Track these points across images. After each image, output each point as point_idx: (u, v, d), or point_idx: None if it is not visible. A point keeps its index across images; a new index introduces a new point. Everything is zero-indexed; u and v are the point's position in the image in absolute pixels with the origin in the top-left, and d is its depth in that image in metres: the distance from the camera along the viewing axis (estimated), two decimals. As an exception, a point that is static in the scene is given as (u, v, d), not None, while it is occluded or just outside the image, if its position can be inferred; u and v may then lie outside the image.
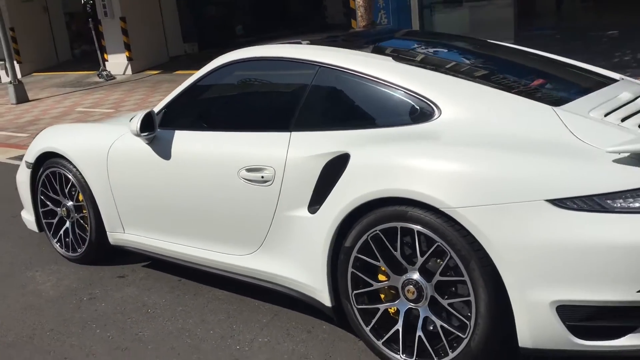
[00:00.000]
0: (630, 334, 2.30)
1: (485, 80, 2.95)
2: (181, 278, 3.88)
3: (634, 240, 2.21)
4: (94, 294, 3.80)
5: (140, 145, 3.63)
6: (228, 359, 2.98)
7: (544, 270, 2.32)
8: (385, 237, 2.67)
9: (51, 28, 17.30)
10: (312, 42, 3.49)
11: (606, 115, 2.61)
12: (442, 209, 2.47)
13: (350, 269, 2.79)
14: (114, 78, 14.01)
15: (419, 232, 2.56)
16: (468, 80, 2.89)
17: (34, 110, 11.43)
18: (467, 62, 3.48)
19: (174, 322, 3.38)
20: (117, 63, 14.37)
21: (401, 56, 3.24)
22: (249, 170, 3.12)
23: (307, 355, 2.95)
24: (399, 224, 2.61)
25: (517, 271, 2.36)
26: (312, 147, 2.95)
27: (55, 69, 16.57)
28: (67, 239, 4.25)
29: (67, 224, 4.23)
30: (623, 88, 2.98)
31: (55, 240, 4.33)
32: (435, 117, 2.75)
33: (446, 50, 3.66)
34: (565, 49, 9.64)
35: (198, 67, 3.76)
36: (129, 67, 14.30)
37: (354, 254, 2.76)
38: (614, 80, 3.22)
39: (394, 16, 10.24)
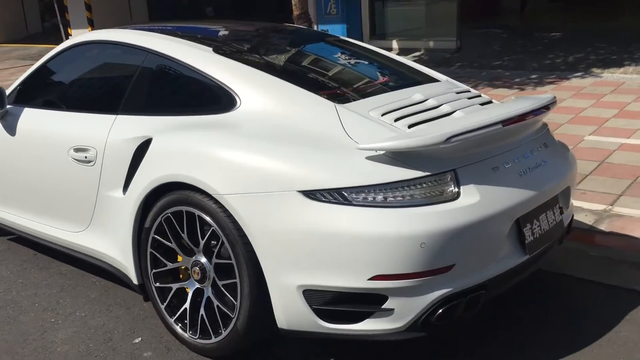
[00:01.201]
0: (367, 319, 2.46)
1: (290, 75, 3.10)
2: (37, 253, 4.01)
3: (368, 232, 2.35)
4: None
5: (-7, 121, 3.76)
6: (37, 330, 3.12)
7: (292, 256, 2.47)
8: (175, 220, 2.81)
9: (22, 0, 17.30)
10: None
11: (383, 114, 2.74)
12: (213, 195, 2.62)
13: (149, 249, 2.93)
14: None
15: (199, 217, 2.70)
16: (272, 74, 2.99)
17: (-15, 81, 11.50)
18: (289, 58, 3.58)
19: (7, 293, 3.51)
20: (79, 38, 14.39)
21: (224, 48, 3.36)
22: (76, 150, 3.25)
23: (113, 330, 3.10)
24: (184, 208, 2.75)
25: (271, 256, 2.50)
26: (128, 130, 3.08)
27: (23, 41, 16.60)
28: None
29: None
30: (428, 89, 3.12)
31: None
32: (235, 107, 2.89)
33: (280, 46, 3.79)
34: (501, 47, 9.78)
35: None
36: (91, 43, 14.31)
37: (152, 234, 2.90)
38: (435, 81, 3.36)
39: (342, 7, 10.33)
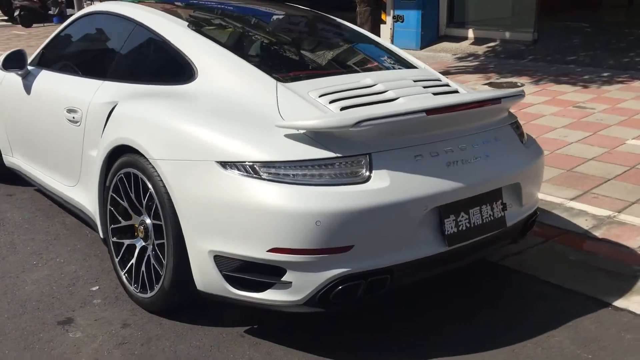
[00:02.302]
0: (269, 290, 2.56)
1: (250, 53, 3.22)
2: (53, 204, 4.39)
3: (268, 205, 2.45)
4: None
5: (18, 80, 4.15)
6: (17, 270, 3.45)
7: (206, 223, 2.61)
8: (126, 181, 3.02)
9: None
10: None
11: (321, 96, 2.81)
12: (149, 159, 2.81)
13: (108, 206, 3.18)
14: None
15: (141, 179, 2.90)
16: (233, 52, 3.10)
17: None
18: (260, 37, 3.65)
19: (10, 235, 3.90)
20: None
21: (201, 23, 3.51)
22: (68, 110, 3.55)
23: (80, 277, 3.37)
24: (132, 170, 2.96)
25: (189, 221, 2.66)
26: (106, 95, 3.33)
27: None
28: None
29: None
30: (383, 75, 3.16)
31: None
32: (192, 80, 3.06)
33: (261, 25, 3.88)
34: (581, 42, 9.30)
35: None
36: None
37: (110, 192, 3.14)
38: (409, 67, 3.38)
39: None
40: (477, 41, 9.89)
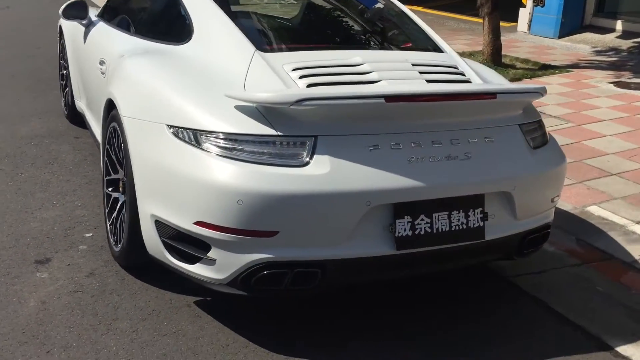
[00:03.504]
0: (198, 264, 2.47)
1: (250, 20, 3.12)
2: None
3: (197, 176, 2.34)
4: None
5: (82, 29, 4.36)
6: (36, 205, 3.67)
7: (151, 185, 2.56)
8: (113, 134, 3.06)
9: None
10: None
11: (294, 70, 2.62)
12: (120, 115, 2.81)
13: (104, 157, 3.24)
14: None
15: (120, 133, 2.92)
16: (231, 17, 2.99)
17: None
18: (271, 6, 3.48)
19: (52, 175, 4.13)
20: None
21: None
22: (100, 62, 3.67)
23: (84, 222, 3.50)
24: (115, 124, 2.99)
25: (139, 181, 2.63)
26: (123, 49, 3.38)
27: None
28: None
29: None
30: (379, 55, 2.93)
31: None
32: (187, 41, 3.01)
33: None
34: None
35: None
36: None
37: (105, 144, 3.20)
38: (431, 50, 3.09)
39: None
40: (625, 35, 8.87)
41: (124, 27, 3.72)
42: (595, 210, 3.96)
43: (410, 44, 3.18)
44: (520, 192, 2.61)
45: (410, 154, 2.41)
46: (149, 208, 2.58)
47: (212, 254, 2.41)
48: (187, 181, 2.38)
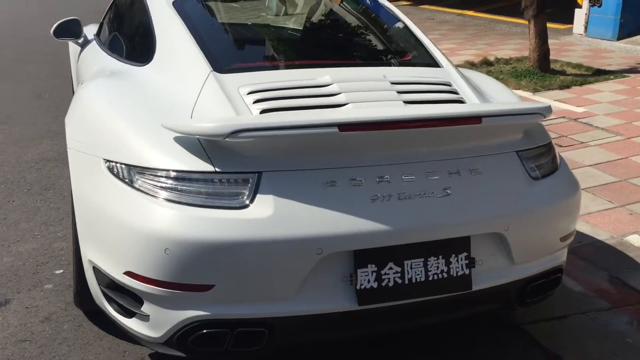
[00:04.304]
0: (134, 318, 2.16)
1: (215, 37, 2.82)
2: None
3: (126, 220, 2.03)
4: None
5: (78, 49, 4.19)
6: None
7: (89, 227, 2.26)
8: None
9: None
10: None
11: (250, 93, 2.29)
12: (67, 146, 2.54)
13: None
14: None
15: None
16: (195, 34, 2.64)
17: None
18: (254, 21, 3.16)
19: (36, 202, 3.97)
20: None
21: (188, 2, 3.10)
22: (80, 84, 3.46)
23: (56, 256, 3.28)
24: (71, 155, 2.73)
25: (80, 222, 2.33)
26: (95, 68, 3.17)
27: None
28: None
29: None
30: (354, 72, 2.52)
31: None
32: (148, 62, 2.72)
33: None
34: None
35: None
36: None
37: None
38: (432, 65, 2.69)
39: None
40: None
41: (110, 46, 3.48)
42: (635, 240, 3.44)
43: (399, 58, 2.79)
44: (515, 233, 2.18)
45: (374, 191, 2.03)
46: (87, 252, 2.29)
47: (145, 308, 2.09)
48: (117, 224, 2.07)
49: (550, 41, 7.11)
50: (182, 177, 2.01)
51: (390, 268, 2.04)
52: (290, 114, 2.16)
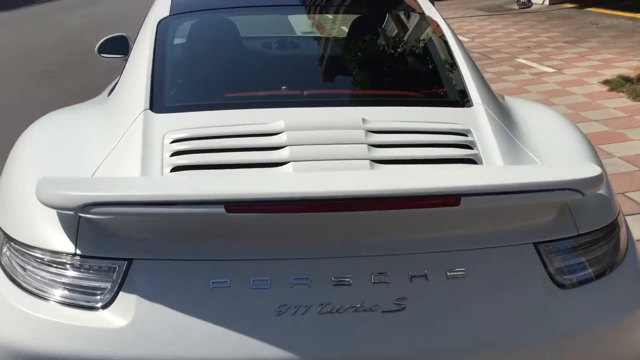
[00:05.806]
0: None
1: (182, 68, 2.28)
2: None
3: None
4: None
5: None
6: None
7: None
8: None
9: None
10: None
11: (174, 141, 1.74)
12: None
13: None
14: (529, 6, 13.18)
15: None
16: (154, 62, 2.13)
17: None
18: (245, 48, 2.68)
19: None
20: (541, -9, 13.41)
21: (175, 21, 2.54)
22: None
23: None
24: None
25: None
26: None
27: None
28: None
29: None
30: (351, 116, 1.82)
31: None
32: (111, 92, 2.29)
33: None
34: None
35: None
36: (549, -5, 13.21)
37: None
38: (460, 103, 1.97)
39: None
40: None
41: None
42: None
43: (410, 93, 2.06)
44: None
45: (282, 299, 1.39)
46: None
47: None
48: None
49: None
50: (36, 255, 1.52)
51: None
52: (207, 172, 1.58)
